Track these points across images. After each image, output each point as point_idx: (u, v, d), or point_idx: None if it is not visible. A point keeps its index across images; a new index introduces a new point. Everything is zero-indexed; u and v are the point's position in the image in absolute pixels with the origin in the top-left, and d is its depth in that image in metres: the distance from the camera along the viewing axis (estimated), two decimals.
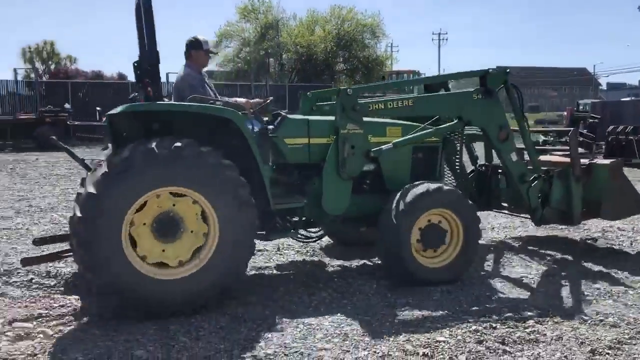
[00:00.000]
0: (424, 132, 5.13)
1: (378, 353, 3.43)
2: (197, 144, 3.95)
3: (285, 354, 3.42)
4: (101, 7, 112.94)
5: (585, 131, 18.82)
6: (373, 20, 35.89)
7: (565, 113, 38.66)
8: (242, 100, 5.04)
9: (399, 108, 5.11)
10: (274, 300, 4.38)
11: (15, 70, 27.36)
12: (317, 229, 5.29)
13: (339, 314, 4.10)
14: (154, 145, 3.83)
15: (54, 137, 5.11)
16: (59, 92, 25.69)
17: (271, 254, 5.75)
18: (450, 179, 5.76)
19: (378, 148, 4.84)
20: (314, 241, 5.43)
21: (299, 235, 5.12)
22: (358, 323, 3.93)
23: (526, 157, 5.59)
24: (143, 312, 3.88)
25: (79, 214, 3.74)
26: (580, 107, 22.34)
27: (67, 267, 5.08)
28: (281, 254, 5.78)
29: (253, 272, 5.21)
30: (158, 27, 4.18)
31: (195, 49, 5.00)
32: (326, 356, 3.39)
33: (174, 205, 3.96)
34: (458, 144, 5.58)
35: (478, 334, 3.73)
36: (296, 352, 3.45)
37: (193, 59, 5.00)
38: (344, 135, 4.74)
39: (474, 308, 4.24)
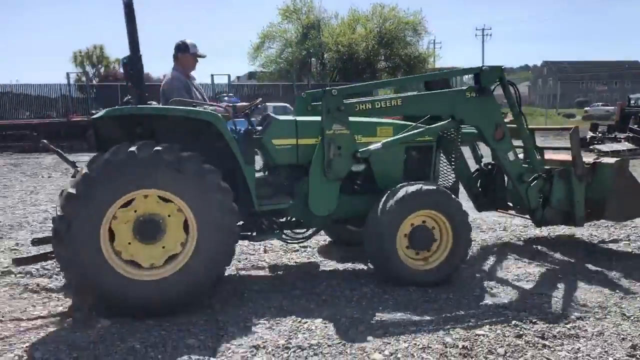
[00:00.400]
0: (414, 131, 5.04)
1: (418, 345, 3.53)
2: (176, 148, 4.00)
3: (328, 345, 3.56)
4: (147, 12, 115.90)
5: (636, 126, 18.29)
6: (415, 18, 35.71)
7: (587, 108, 37.13)
8: (223, 104, 5.11)
9: (387, 108, 5.03)
10: (318, 294, 4.53)
11: (67, 74, 28.45)
12: (303, 230, 5.19)
13: (380, 308, 4.22)
14: (134, 148, 3.91)
15: (44, 140, 5.24)
16: (109, 95, 26.54)
17: (314, 251, 5.91)
18: (447, 178, 5.57)
19: (366, 148, 4.81)
20: (301, 242, 5.33)
21: (283, 236, 5.03)
22: (399, 317, 4.05)
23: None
24: (120, 311, 3.96)
25: (59, 212, 3.87)
26: (632, 102, 21.64)
27: None
28: (326, 251, 5.92)
29: (296, 269, 5.38)
30: (203, 31, 4.42)
31: (183, 53, 5.11)
32: (368, 347, 3.52)
33: (135, 211, 3.99)
34: (457, 143, 5.40)
35: (517, 328, 3.79)
36: (339, 343, 3.59)
37: (180, 63, 5.13)
38: (330, 136, 4.71)
39: (514, 304, 4.29)
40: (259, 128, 4.85)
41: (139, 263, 4.02)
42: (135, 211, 4.00)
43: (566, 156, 5.65)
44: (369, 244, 4.65)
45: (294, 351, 3.48)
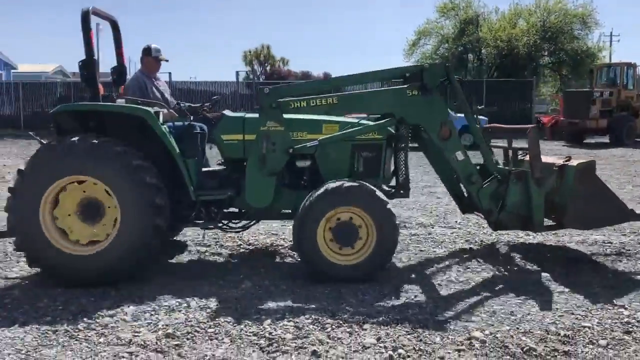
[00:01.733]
0: (351, 130, 5.11)
1: (520, 329, 3.75)
2: (111, 142, 4.57)
3: (434, 320, 3.92)
4: (310, 13, 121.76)
5: None
6: (584, 10, 33.26)
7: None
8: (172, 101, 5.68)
9: (322, 106, 5.05)
10: (431, 278, 4.89)
11: (237, 72, 31.04)
12: (238, 221, 5.47)
13: (489, 294, 4.46)
14: (74, 139, 4.54)
15: (31, 132, 5.87)
16: None
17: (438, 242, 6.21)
18: (399, 175, 5.44)
19: (300, 145, 4.97)
20: (238, 232, 5.65)
21: (220, 225, 5.33)
22: (507, 303, 4.27)
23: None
24: (56, 280, 4.59)
25: (11, 185, 4.64)
26: None
27: (265, 236, 6.20)
28: (442, 241, 6.21)
29: (415, 256, 5.74)
30: (359, 30, 4.73)
31: (146, 56, 5.65)
32: (470, 326, 3.82)
33: (84, 191, 4.61)
34: (407, 141, 5.33)
35: (629, 325, 3.82)
36: (444, 320, 3.93)
37: (144, 64, 5.68)
38: (264, 132, 4.91)
39: (634, 303, 4.26)
40: (200, 125, 5.29)
41: (67, 234, 4.61)
42: (84, 191, 4.61)
43: (556, 159, 5.39)
44: (294, 238, 4.82)
45: (402, 322, 3.88)
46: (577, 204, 5.03)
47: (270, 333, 3.68)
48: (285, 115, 4.99)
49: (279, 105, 4.96)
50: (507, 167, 5.37)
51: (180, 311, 4.10)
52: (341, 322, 3.89)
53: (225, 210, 5.27)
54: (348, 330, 3.75)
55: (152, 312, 4.07)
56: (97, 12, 5.19)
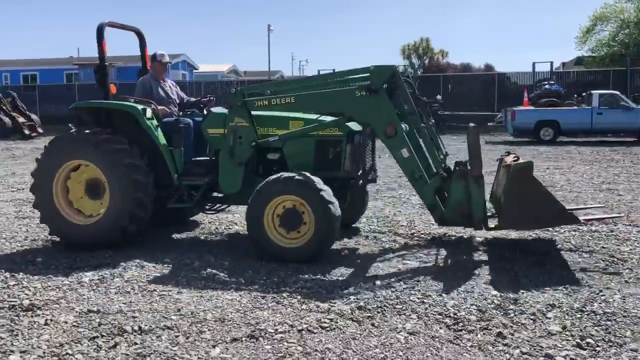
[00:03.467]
0: (308, 126, 5.59)
1: None
2: (101, 132, 5.57)
3: (623, 315, 3.86)
4: (471, 3, 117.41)
5: None
6: None
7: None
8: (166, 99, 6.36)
9: (282, 105, 5.57)
10: (619, 274, 4.75)
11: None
12: (211, 204, 6.29)
13: None
14: (73, 131, 5.68)
15: (70, 124, 6.40)
16: (432, 85, 28.31)
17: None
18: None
19: (264, 140, 5.59)
20: (215, 213, 6.60)
21: (200, 208, 6.26)
22: None
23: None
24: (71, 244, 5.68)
25: (35, 166, 5.79)
26: None
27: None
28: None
29: (601, 249, 5.56)
30: (526, 17, 4.86)
31: (152, 62, 6.44)
32: None
33: (85, 174, 5.68)
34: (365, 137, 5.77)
35: None
36: (635, 316, 3.85)
37: (152, 68, 6.46)
38: (232, 127, 5.59)
39: None
40: (188, 120, 5.98)
41: (73, 204, 5.72)
42: (85, 174, 5.68)
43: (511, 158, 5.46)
44: (247, 224, 5.31)
45: (587, 314, 3.89)
46: (510, 204, 5.11)
47: (454, 313, 3.93)
48: (257, 112, 5.66)
49: (245, 104, 5.60)
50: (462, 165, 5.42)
51: (367, 288, 4.50)
52: (524, 309, 4.00)
53: (212, 195, 6.13)
54: (531, 317, 3.86)
55: (343, 287, 4.52)
56: (115, 25, 6.21)
